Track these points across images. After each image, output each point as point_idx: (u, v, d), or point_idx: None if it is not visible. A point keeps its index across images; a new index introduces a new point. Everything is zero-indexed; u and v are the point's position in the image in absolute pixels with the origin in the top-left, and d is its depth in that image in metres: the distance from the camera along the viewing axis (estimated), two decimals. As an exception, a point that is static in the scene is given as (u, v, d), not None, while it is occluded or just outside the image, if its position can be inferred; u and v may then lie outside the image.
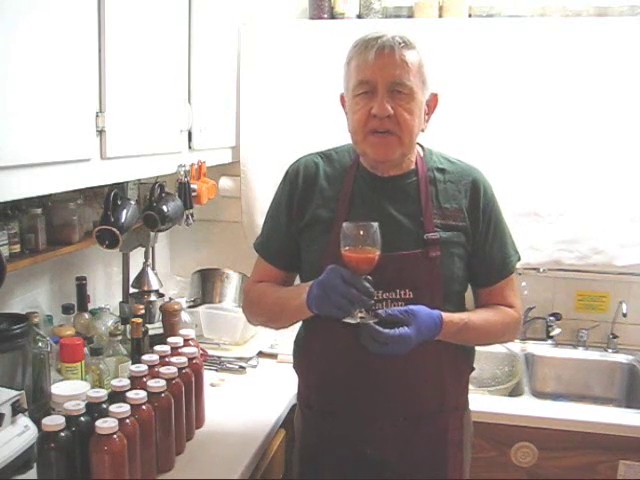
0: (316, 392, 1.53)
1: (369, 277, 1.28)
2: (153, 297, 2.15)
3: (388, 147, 1.36)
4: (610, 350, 2.38)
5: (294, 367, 1.59)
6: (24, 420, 1.32)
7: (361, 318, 1.28)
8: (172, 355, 1.55)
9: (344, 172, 1.47)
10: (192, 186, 2.08)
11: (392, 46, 1.32)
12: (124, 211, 1.79)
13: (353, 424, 1.47)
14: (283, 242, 1.51)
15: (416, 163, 1.46)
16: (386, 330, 1.29)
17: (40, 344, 1.52)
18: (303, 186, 1.48)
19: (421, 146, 1.51)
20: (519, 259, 1.53)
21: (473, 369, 1.55)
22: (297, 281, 1.56)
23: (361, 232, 1.27)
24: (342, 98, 1.46)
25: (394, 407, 1.44)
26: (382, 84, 1.33)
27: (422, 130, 1.42)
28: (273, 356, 2.17)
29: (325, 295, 1.28)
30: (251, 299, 1.56)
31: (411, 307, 1.33)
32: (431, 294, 1.39)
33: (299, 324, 1.56)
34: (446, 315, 1.37)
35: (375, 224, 1.28)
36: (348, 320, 1.29)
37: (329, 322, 1.38)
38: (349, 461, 1.48)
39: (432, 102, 1.42)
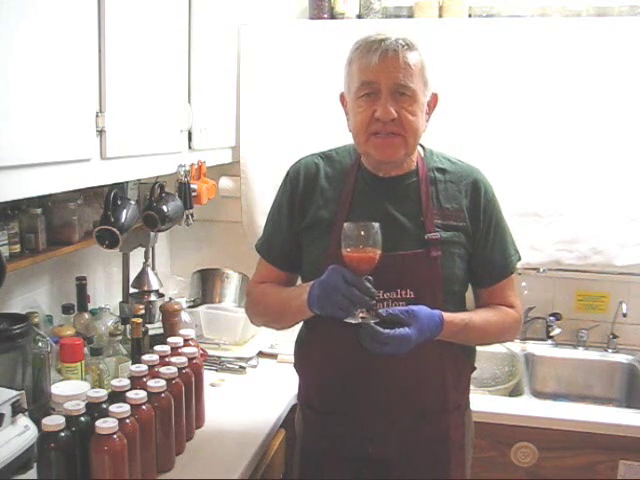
0: (317, 392, 1.53)
1: (370, 277, 1.28)
2: (153, 297, 2.15)
3: (393, 148, 1.37)
4: (610, 350, 2.38)
5: (295, 367, 1.59)
6: (24, 420, 1.32)
7: (362, 318, 1.28)
8: (172, 355, 1.55)
9: (345, 173, 1.47)
10: (192, 186, 2.08)
11: (396, 49, 1.32)
12: (124, 211, 1.79)
13: (354, 424, 1.47)
14: (285, 243, 1.51)
15: (417, 163, 1.46)
16: (386, 330, 1.29)
17: (40, 344, 1.52)
18: (304, 187, 1.48)
19: (422, 146, 1.50)
20: (519, 259, 1.53)
21: (474, 368, 1.55)
22: (299, 282, 1.56)
23: (362, 232, 1.27)
24: (342, 97, 1.46)
25: (395, 406, 1.44)
26: (386, 86, 1.33)
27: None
28: (273, 356, 2.17)
29: (327, 295, 1.28)
30: (253, 300, 1.56)
31: (412, 307, 1.33)
32: (432, 294, 1.39)
33: (300, 324, 1.57)
34: (447, 315, 1.37)
35: (376, 224, 1.28)
36: (349, 320, 1.29)
37: (330, 322, 1.38)
38: (350, 461, 1.48)
39: (432, 102, 1.42)
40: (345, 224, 1.29)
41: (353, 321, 1.29)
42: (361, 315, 1.29)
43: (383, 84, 1.33)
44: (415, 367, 1.41)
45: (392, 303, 1.38)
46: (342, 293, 1.26)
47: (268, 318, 1.55)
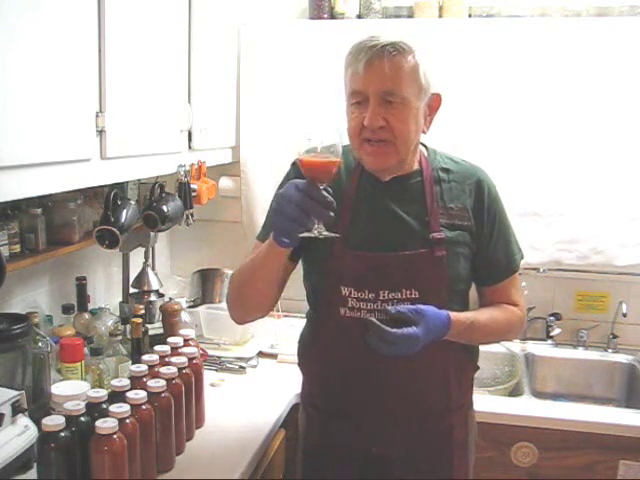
0: (320, 391, 1.53)
1: (329, 189, 1.20)
2: (153, 297, 2.15)
3: (383, 156, 1.36)
4: (610, 350, 2.38)
5: (299, 366, 1.59)
6: (24, 420, 1.32)
7: (320, 234, 1.19)
8: (172, 355, 1.55)
9: (348, 171, 1.46)
10: (192, 186, 2.08)
11: (381, 57, 1.30)
12: (124, 211, 1.79)
13: (357, 423, 1.47)
14: None
15: (420, 163, 1.46)
16: (394, 330, 1.28)
17: (40, 344, 1.52)
18: None
19: (425, 146, 1.50)
20: (522, 258, 1.54)
21: (478, 368, 1.55)
22: (301, 283, 1.55)
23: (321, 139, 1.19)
24: None
25: (399, 406, 1.44)
26: (373, 95, 1.32)
27: (424, 132, 1.41)
28: (273, 356, 2.16)
29: (280, 208, 1.19)
30: (231, 280, 1.49)
31: (420, 306, 1.33)
32: (436, 294, 1.39)
33: (302, 324, 1.57)
34: (453, 315, 1.36)
35: (337, 135, 1.21)
36: (306, 235, 1.19)
37: (334, 321, 1.38)
38: (354, 460, 1.48)
39: (434, 103, 1.42)
40: (302, 132, 1.22)
41: (310, 235, 1.19)
42: (317, 230, 1.19)
43: (370, 92, 1.32)
44: (419, 367, 1.40)
45: (397, 303, 1.38)
46: (295, 203, 1.16)
47: (242, 285, 1.43)
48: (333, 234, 1.22)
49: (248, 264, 1.42)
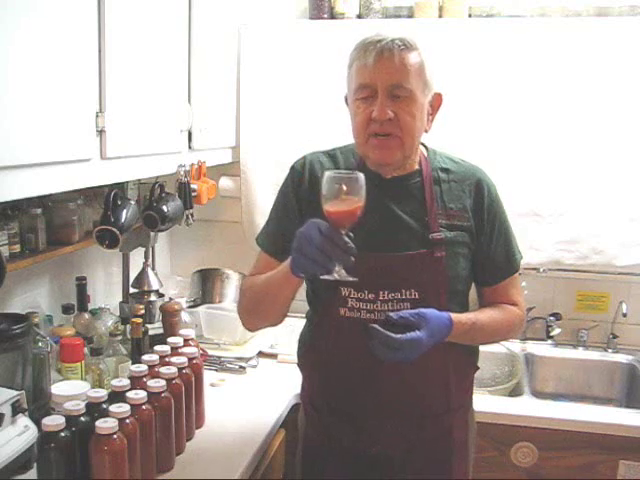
0: (320, 392, 1.53)
1: (350, 234, 1.21)
2: (153, 297, 2.15)
3: (389, 150, 1.36)
4: (610, 350, 2.38)
5: (298, 366, 1.59)
6: (24, 420, 1.32)
7: (339, 275, 1.20)
8: (172, 355, 1.54)
9: None
10: (192, 186, 2.08)
11: (391, 49, 1.31)
12: (124, 211, 1.79)
13: (357, 424, 1.47)
14: (289, 234, 1.48)
15: (420, 163, 1.46)
16: (397, 335, 1.28)
17: (40, 344, 1.52)
18: (310, 180, 1.46)
19: (425, 146, 1.51)
20: (522, 258, 1.54)
21: (478, 368, 1.55)
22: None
23: (343, 185, 1.19)
24: (347, 99, 1.45)
25: (400, 406, 1.44)
26: (382, 88, 1.32)
27: (425, 131, 1.42)
28: (273, 356, 2.16)
29: (300, 248, 1.20)
30: (245, 289, 1.51)
31: (422, 310, 1.32)
32: (436, 294, 1.39)
33: (302, 324, 1.57)
34: (455, 316, 1.36)
35: (361, 175, 1.20)
36: (326, 277, 1.20)
37: (335, 320, 1.37)
38: (354, 460, 1.48)
39: (436, 102, 1.42)
40: (326, 173, 1.22)
41: (330, 278, 1.20)
42: (337, 272, 1.20)
43: (379, 85, 1.32)
44: (419, 367, 1.39)
45: (397, 304, 1.38)
46: (317, 246, 1.17)
47: (256, 302, 1.46)
48: (352, 278, 1.22)
49: (263, 283, 1.43)
